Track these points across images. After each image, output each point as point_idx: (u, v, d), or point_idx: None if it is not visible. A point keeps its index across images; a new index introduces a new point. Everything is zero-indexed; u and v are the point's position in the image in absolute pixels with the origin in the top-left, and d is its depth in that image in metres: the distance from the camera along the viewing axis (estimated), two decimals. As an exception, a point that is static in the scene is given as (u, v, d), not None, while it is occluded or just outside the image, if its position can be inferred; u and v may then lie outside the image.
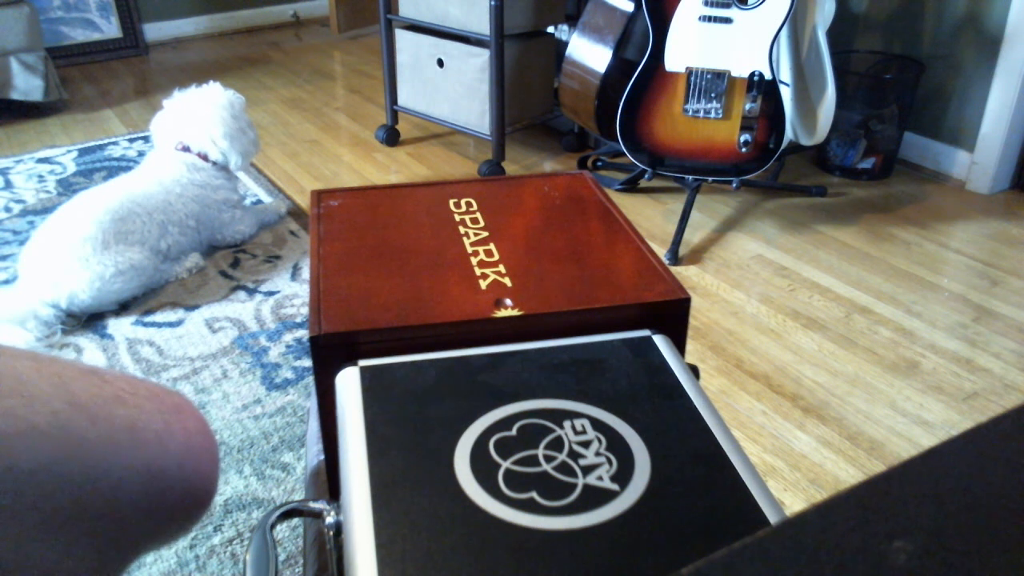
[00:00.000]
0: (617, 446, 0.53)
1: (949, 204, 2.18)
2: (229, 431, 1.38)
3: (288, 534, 1.16)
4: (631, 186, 2.26)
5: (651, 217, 2.13)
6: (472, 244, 0.75)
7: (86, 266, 1.61)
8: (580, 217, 0.80)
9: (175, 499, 0.51)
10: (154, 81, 3.20)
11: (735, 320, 1.69)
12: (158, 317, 1.70)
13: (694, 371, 0.64)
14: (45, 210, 2.11)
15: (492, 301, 0.66)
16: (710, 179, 1.90)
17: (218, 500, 1.24)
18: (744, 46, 1.73)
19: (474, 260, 0.72)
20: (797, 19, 1.84)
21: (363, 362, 0.60)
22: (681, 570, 0.27)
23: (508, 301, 0.66)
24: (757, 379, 1.51)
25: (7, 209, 2.15)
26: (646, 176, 1.94)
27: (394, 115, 2.56)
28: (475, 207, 0.82)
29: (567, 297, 0.67)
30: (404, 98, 2.49)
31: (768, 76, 1.74)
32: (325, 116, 2.82)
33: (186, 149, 1.89)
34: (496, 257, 0.72)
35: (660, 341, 0.63)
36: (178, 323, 1.68)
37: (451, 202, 0.83)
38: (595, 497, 0.49)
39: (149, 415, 0.49)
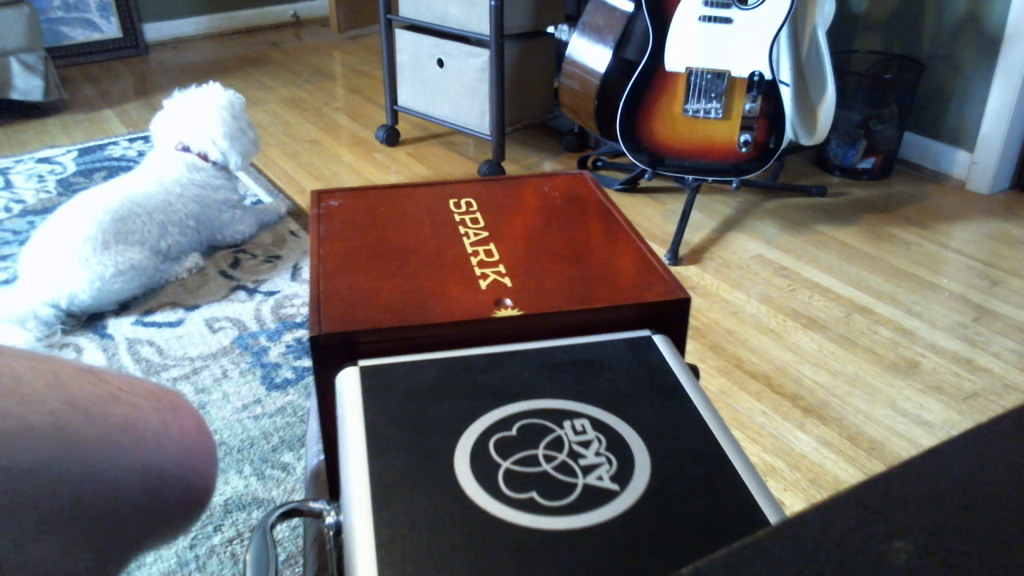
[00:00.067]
0: (617, 446, 0.53)
1: (949, 204, 2.18)
2: (229, 431, 1.38)
3: (288, 534, 1.16)
4: (631, 186, 2.26)
5: (651, 217, 2.13)
6: (472, 244, 0.75)
7: (86, 266, 1.61)
8: (580, 217, 0.80)
9: (173, 498, 0.51)
10: (154, 81, 3.20)
11: (735, 320, 1.69)
12: (158, 317, 1.70)
13: (694, 371, 0.64)
14: (45, 210, 2.11)
15: (492, 301, 0.66)
16: (710, 179, 1.90)
17: (218, 500, 1.24)
18: (744, 46, 1.73)
19: (474, 260, 0.72)
20: (797, 19, 1.84)
21: (363, 362, 0.60)
22: (681, 570, 0.27)
23: (508, 301, 0.66)
24: (757, 379, 1.51)
25: (7, 209, 2.15)
26: (646, 176, 1.94)
27: (394, 115, 2.56)
28: (475, 207, 0.82)
29: (567, 297, 0.67)
30: (404, 98, 2.49)
31: (768, 76, 1.74)
32: (325, 116, 2.82)
33: (186, 149, 1.89)
34: (496, 257, 0.72)
35: (660, 341, 0.63)
36: (178, 323, 1.68)
37: (451, 202, 0.83)
38: (595, 497, 0.49)
39: (147, 414, 0.49)
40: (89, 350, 1.60)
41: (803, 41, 1.86)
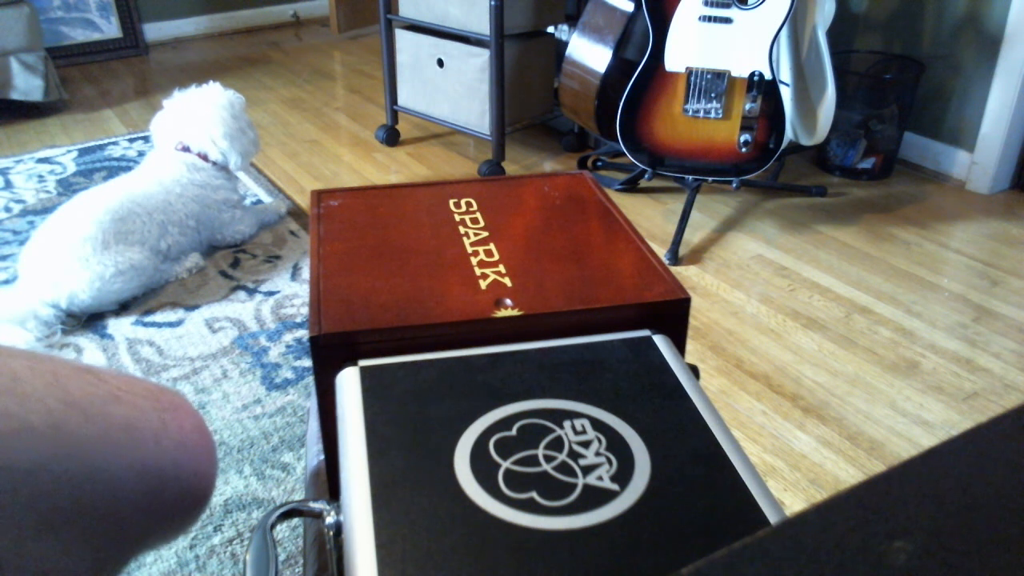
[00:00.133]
0: (617, 446, 0.53)
1: (949, 204, 2.18)
2: (229, 431, 1.38)
3: (288, 534, 1.16)
4: (631, 186, 2.26)
5: (651, 217, 2.13)
6: (472, 244, 0.75)
7: (86, 266, 1.61)
8: (580, 217, 0.80)
9: (172, 497, 0.51)
10: (154, 81, 3.20)
11: (735, 320, 1.69)
12: (158, 317, 1.70)
13: (694, 371, 0.64)
14: (45, 210, 2.11)
15: (492, 301, 0.66)
16: (710, 179, 1.90)
17: (218, 500, 1.24)
18: (744, 46, 1.73)
19: (474, 260, 0.72)
20: (797, 19, 1.84)
21: (363, 362, 0.60)
22: (681, 570, 0.27)
23: (508, 301, 0.66)
24: (757, 379, 1.51)
25: (7, 209, 2.15)
26: (646, 176, 1.94)
27: (394, 115, 2.56)
28: (475, 207, 0.82)
29: (567, 297, 0.67)
30: (404, 98, 2.49)
31: (768, 76, 1.74)
32: (325, 116, 2.82)
33: (186, 149, 1.89)
34: (496, 257, 0.72)
35: (660, 341, 0.63)
36: (178, 323, 1.68)
37: (451, 202, 0.83)
38: (595, 497, 0.49)
39: (145, 413, 0.49)
40: (89, 350, 1.60)
41: (803, 41, 1.86)
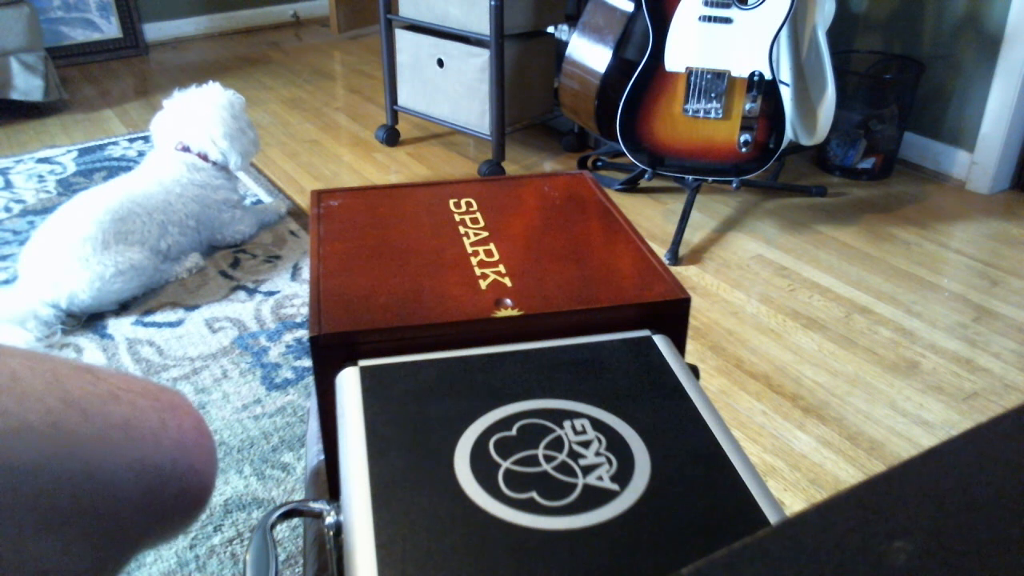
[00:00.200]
0: (617, 446, 0.53)
1: (949, 204, 2.18)
2: (229, 431, 1.38)
3: (288, 534, 1.16)
4: (631, 186, 2.26)
5: (651, 217, 2.13)
6: (472, 244, 0.75)
7: (86, 266, 1.61)
8: (580, 217, 0.80)
9: (172, 496, 0.51)
10: (154, 81, 3.20)
11: (735, 320, 1.69)
12: (158, 317, 1.70)
13: (694, 371, 0.64)
14: (45, 210, 2.11)
15: (492, 301, 0.66)
16: (710, 179, 1.90)
17: (218, 500, 1.24)
18: (744, 46, 1.73)
19: (474, 260, 0.72)
20: (797, 19, 1.84)
21: (363, 362, 0.60)
22: (681, 570, 0.27)
23: (508, 301, 0.66)
24: (757, 379, 1.51)
25: (7, 209, 2.15)
26: (646, 176, 1.94)
27: (394, 115, 2.56)
28: (475, 207, 0.82)
29: (567, 297, 0.67)
30: (404, 98, 2.49)
31: (768, 76, 1.74)
32: (325, 116, 2.82)
33: (186, 149, 1.89)
34: (496, 257, 0.72)
35: (660, 341, 0.63)
36: (178, 323, 1.68)
37: (451, 202, 0.83)
38: (595, 497, 0.49)
39: (144, 412, 0.49)
40: (89, 350, 1.60)
41: (803, 41, 1.86)
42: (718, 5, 1.70)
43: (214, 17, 3.76)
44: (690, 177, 1.91)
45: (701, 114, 1.80)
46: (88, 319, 1.68)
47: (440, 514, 0.47)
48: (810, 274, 1.86)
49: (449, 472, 0.50)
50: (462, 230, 0.77)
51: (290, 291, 1.79)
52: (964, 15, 2.17)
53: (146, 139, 2.58)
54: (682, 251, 1.95)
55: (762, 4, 1.68)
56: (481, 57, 2.19)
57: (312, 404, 1.04)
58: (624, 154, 1.90)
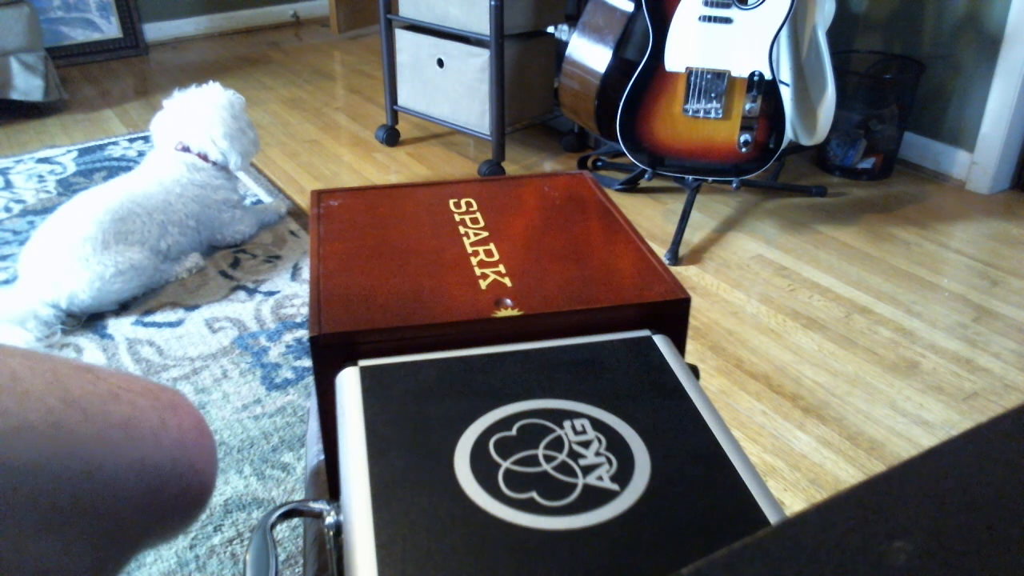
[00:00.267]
0: (617, 446, 0.53)
1: (949, 204, 2.18)
2: (229, 431, 1.38)
3: (288, 534, 1.16)
4: (631, 186, 2.26)
5: (651, 217, 2.13)
6: (472, 244, 0.75)
7: (86, 266, 1.61)
8: (580, 217, 0.80)
9: (172, 495, 0.51)
10: (154, 81, 3.20)
11: (735, 320, 1.69)
12: (158, 317, 1.70)
13: (694, 371, 0.64)
14: (45, 210, 2.11)
15: (492, 301, 0.66)
16: (710, 179, 1.90)
17: (218, 500, 1.24)
18: (744, 46, 1.73)
19: (474, 260, 0.72)
20: (797, 19, 1.84)
21: (363, 362, 0.60)
22: (681, 570, 0.27)
23: (508, 301, 0.66)
24: (757, 379, 1.51)
25: (7, 209, 2.15)
26: (646, 176, 1.94)
27: (394, 115, 2.56)
28: (475, 207, 0.82)
29: (567, 297, 0.67)
30: (404, 98, 2.49)
31: (768, 76, 1.74)
32: (325, 116, 2.82)
33: (186, 149, 1.89)
34: (496, 257, 0.72)
35: (660, 341, 0.63)
36: (178, 323, 1.68)
37: (451, 202, 0.83)
38: (595, 497, 0.49)
39: (145, 412, 0.49)
40: (89, 350, 1.60)
41: (803, 41, 1.86)
42: (718, 5, 1.70)
43: (214, 17, 3.76)
44: (690, 177, 1.91)
45: (701, 114, 1.80)
46: (88, 319, 1.68)
47: (440, 514, 0.47)
48: (810, 274, 1.86)
49: (449, 472, 0.50)
50: (462, 230, 0.77)
51: (290, 291, 1.79)
52: (964, 15, 2.17)
53: (146, 139, 2.58)
54: (682, 251, 1.95)
55: (762, 4, 1.68)
56: (481, 57, 2.19)
57: (312, 404, 1.04)
58: (624, 154, 1.90)
